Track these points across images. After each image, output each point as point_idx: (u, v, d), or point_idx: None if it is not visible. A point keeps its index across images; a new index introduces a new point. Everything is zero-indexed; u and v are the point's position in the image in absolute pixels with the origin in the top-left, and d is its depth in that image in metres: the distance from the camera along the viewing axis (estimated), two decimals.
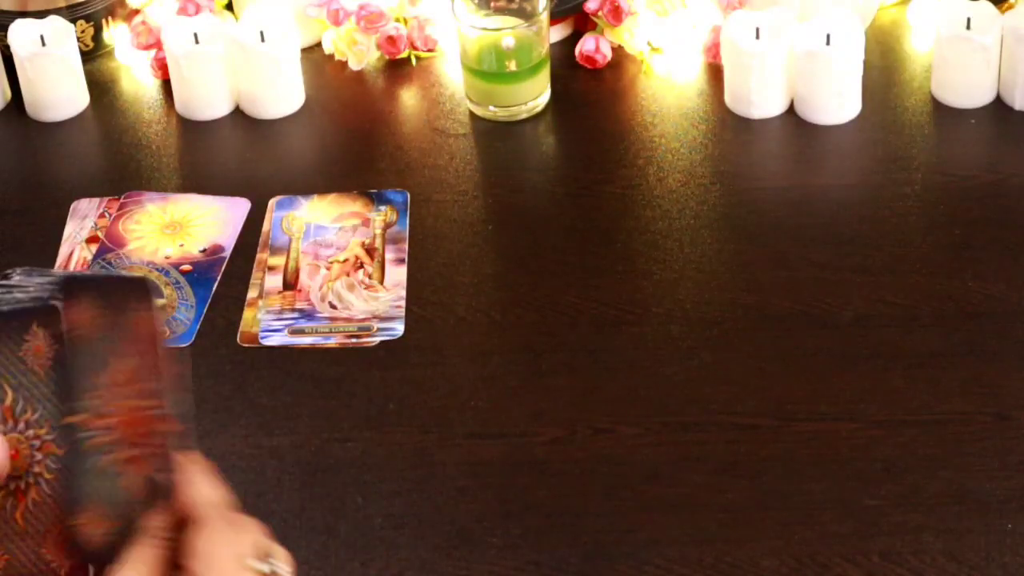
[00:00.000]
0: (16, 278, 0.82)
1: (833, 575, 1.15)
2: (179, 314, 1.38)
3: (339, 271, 1.42)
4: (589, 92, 1.60)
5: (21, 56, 1.58)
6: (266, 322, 1.37)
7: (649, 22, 1.61)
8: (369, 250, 1.43)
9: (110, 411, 0.79)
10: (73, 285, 0.79)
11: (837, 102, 1.53)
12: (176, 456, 0.80)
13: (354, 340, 1.35)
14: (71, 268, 1.42)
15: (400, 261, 1.42)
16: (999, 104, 1.54)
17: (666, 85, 1.59)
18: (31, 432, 0.79)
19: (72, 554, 0.79)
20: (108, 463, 0.80)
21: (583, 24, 1.65)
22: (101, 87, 1.64)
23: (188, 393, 0.82)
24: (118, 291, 0.80)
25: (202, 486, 0.80)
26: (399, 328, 1.36)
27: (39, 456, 0.79)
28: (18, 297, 0.80)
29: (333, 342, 1.35)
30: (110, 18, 1.66)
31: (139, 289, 0.80)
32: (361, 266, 1.42)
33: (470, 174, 1.51)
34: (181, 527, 0.79)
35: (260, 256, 1.44)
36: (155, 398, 0.80)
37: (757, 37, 1.53)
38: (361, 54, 1.63)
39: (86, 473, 0.79)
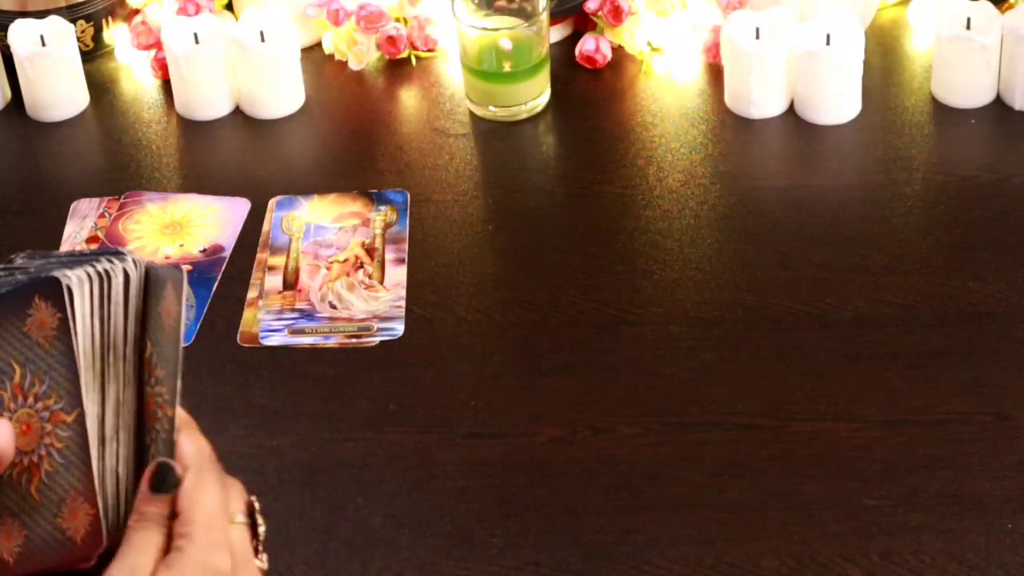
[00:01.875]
0: (20, 261, 0.83)
1: (833, 575, 1.15)
2: None
3: (339, 271, 1.42)
4: (589, 92, 1.60)
5: (21, 56, 1.58)
6: (266, 322, 1.37)
7: (649, 22, 1.61)
8: (369, 250, 1.43)
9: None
10: None
11: (837, 102, 1.53)
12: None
13: (354, 340, 1.35)
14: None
15: (400, 261, 1.42)
16: (999, 104, 1.54)
17: (666, 85, 1.59)
18: (40, 404, 0.80)
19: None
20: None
21: (583, 24, 1.65)
22: (101, 87, 1.64)
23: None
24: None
25: (196, 439, 0.82)
26: (399, 328, 1.36)
27: (49, 427, 0.80)
28: (20, 279, 0.80)
29: (333, 342, 1.35)
30: (110, 18, 1.66)
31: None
32: (361, 266, 1.42)
33: (470, 174, 1.51)
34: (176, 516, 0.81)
35: (260, 256, 1.44)
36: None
37: (757, 37, 1.53)
38: (361, 54, 1.63)
39: None
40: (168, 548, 0.79)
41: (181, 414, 0.82)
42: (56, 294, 0.79)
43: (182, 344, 0.82)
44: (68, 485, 0.80)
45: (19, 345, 0.80)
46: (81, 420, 0.79)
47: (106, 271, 0.80)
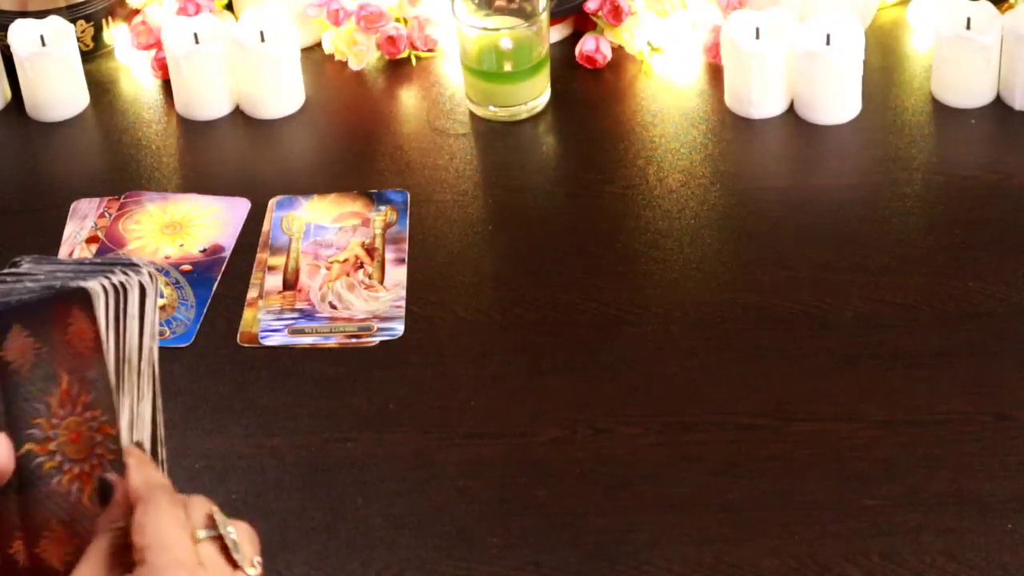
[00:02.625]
0: (26, 266, 0.83)
1: (833, 575, 1.15)
2: (179, 314, 1.38)
3: (339, 271, 1.42)
4: (589, 92, 1.60)
5: (21, 56, 1.58)
6: (266, 322, 1.37)
7: (649, 22, 1.61)
8: (369, 250, 1.43)
9: (54, 434, 0.80)
10: (6, 317, 0.79)
11: (837, 102, 1.53)
12: (120, 455, 0.80)
13: (354, 340, 1.35)
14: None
15: (400, 261, 1.42)
16: (999, 104, 1.54)
17: (666, 85, 1.59)
18: (88, 414, 0.80)
19: None
20: (65, 482, 0.80)
21: (583, 24, 1.65)
22: (101, 87, 1.64)
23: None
24: (49, 309, 0.79)
25: (144, 468, 0.80)
26: (399, 328, 1.36)
27: (99, 438, 0.80)
28: (31, 286, 0.80)
29: (333, 342, 1.35)
30: (110, 18, 1.66)
31: (76, 297, 0.79)
32: (361, 266, 1.42)
33: (470, 174, 1.51)
34: (130, 515, 0.79)
35: (260, 256, 1.44)
36: (92, 408, 0.80)
37: (757, 37, 1.53)
38: (361, 54, 1.63)
39: (45, 497, 0.80)
40: (128, 559, 0.77)
41: (132, 449, 0.81)
42: (90, 307, 0.79)
43: (144, 361, 0.81)
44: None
45: (65, 354, 0.80)
46: (119, 434, 0.80)
47: (122, 284, 0.80)
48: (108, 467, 0.80)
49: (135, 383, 0.81)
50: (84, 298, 0.79)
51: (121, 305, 0.80)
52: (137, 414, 0.81)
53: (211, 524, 0.79)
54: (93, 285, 0.79)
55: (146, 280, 0.81)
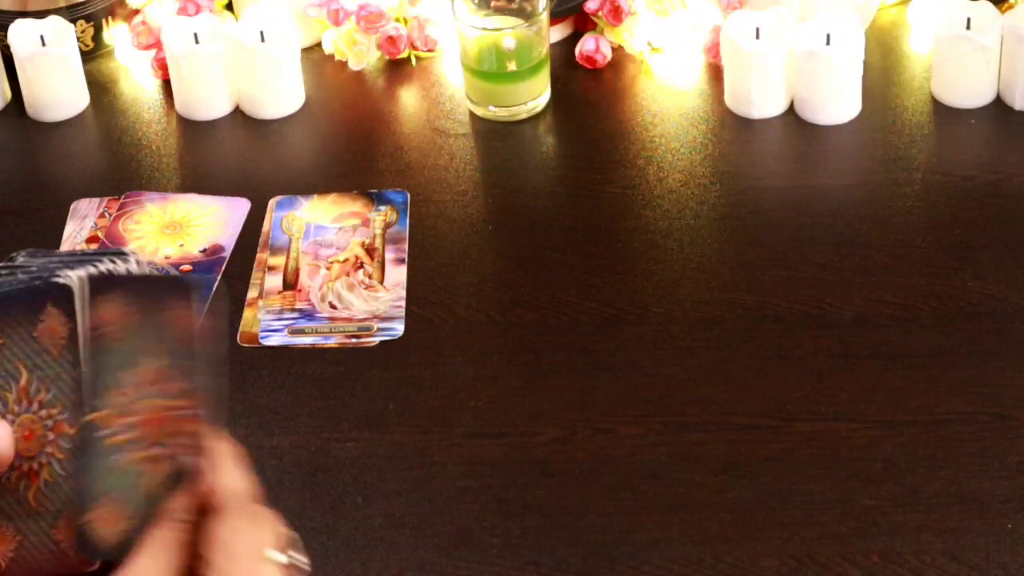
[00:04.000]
0: (21, 260, 0.83)
1: (833, 575, 1.15)
2: None
3: (339, 271, 1.42)
4: (589, 92, 1.60)
5: (21, 56, 1.58)
6: (266, 322, 1.37)
7: (649, 22, 1.61)
8: (369, 250, 1.43)
9: (134, 409, 0.79)
10: (105, 283, 0.79)
11: (837, 102, 1.53)
12: (204, 441, 0.79)
13: (354, 340, 1.35)
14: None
15: (400, 261, 1.42)
16: (999, 104, 1.54)
17: (666, 85, 1.59)
18: (44, 412, 0.80)
19: (83, 552, 0.79)
20: (127, 462, 0.79)
21: (583, 24, 1.65)
22: (101, 87, 1.64)
23: (223, 381, 0.81)
24: (153, 290, 0.79)
25: (228, 474, 0.79)
26: (399, 328, 1.36)
27: (51, 436, 0.79)
28: (21, 279, 0.80)
29: (333, 342, 1.35)
30: (110, 18, 1.66)
31: (178, 288, 0.79)
32: (361, 266, 1.42)
33: (470, 174, 1.51)
34: (203, 512, 0.78)
35: (260, 256, 1.44)
36: (185, 398, 0.79)
37: (757, 37, 1.53)
38: (361, 54, 1.63)
39: (102, 471, 0.79)
40: (188, 558, 0.77)
41: (228, 448, 0.80)
42: (68, 303, 0.79)
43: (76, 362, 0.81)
44: (66, 497, 0.80)
45: (28, 350, 0.80)
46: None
47: (109, 272, 0.80)
48: (56, 466, 0.80)
49: None
50: (61, 294, 0.79)
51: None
52: None
53: (282, 546, 0.79)
54: (71, 275, 0.79)
55: (133, 267, 0.81)
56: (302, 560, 0.80)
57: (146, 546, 0.77)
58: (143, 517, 0.79)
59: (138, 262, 0.81)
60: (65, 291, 0.78)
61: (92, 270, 0.80)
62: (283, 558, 0.79)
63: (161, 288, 0.79)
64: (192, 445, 0.79)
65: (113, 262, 0.81)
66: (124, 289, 0.79)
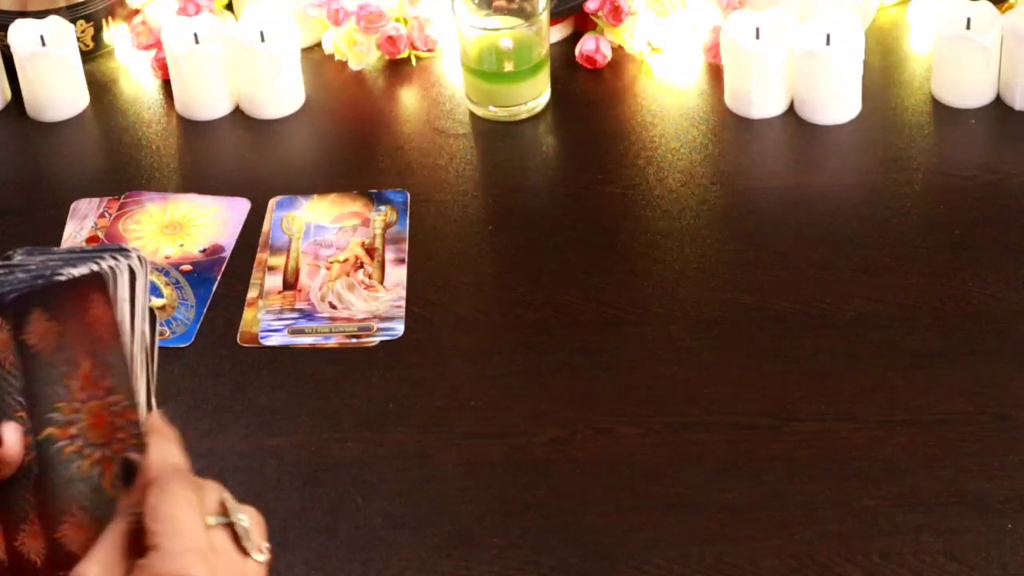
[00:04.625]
0: (18, 258, 0.83)
1: (833, 575, 1.15)
2: (179, 314, 1.38)
3: (339, 271, 1.42)
4: (589, 92, 1.60)
5: (21, 56, 1.58)
6: (266, 322, 1.37)
7: (649, 22, 1.61)
8: (369, 250, 1.43)
9: (75, 418, 0.79)
10: (23, 302, 0.79)
11: (837, 102, 1.53)
12: (143, 429, 0.80)
13: (354, 340, 1.35)
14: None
15: (400, 261, 1.42)
16: (999, 104, 1.54)
17: (666, 85, 1.59)
18: (111, 399, 0.80)
19: (57, 566, 0.79)
20: (86, 467, 0.80)
21: (583, 24, 1.65)
22: (101, 87, 1.64)
23: (151, 363, 0.81)
24: (69, 293, 0.79)
25: (162, 448, 0.79)
26: (399, 328, 1.36)
27: (121, 423, 0.80)
28: (20, 277, 0.80)
29: (333, 342, 1.35)
30: (110, 18, 1.66)
31: (93, 282, 0.79)
32: (361, 266, 1.42)
33: (470, 174, 1.51)
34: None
35: (260, 256, 1.44)
36: (114, 393, 0.80)
37: (757, 37, 1.53)
38: (361, 54, 1.63)
39: (64, 481, 0.80)
40: (142, 543, 0.77)
41: (152, 420, 0.80)
42: (106, 290, 0.79)
43: (136, 344, 0.81)
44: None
45: (84, 339, 0.80)
46: (140, 419, 0.80)
47: (112, 268, 0.80)
48: (131, 451, 0.80)
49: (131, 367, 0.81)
50: (99, 282, 0.79)
51: (111, 289, 0.80)
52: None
53: (223, 510, 0.79)
54: (74, 272, 0.79)
55: (135, 264, 0.81)
56: (244, 519, 0.79)
57: (101, 540, 0.77)
58: (107, 522, 0.79)
59: (140, 258, 0.81)
60: (100, 279, 0.79)
61: (94, 266, 0.80)
62: (223, 519, 0.79)
63: (80, 286, 0.79)
64: (134, 436, 0.79)
65: (115, 258, 0.81)
66: (41, 305, 0.79)
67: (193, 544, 0.76)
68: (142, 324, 0.81)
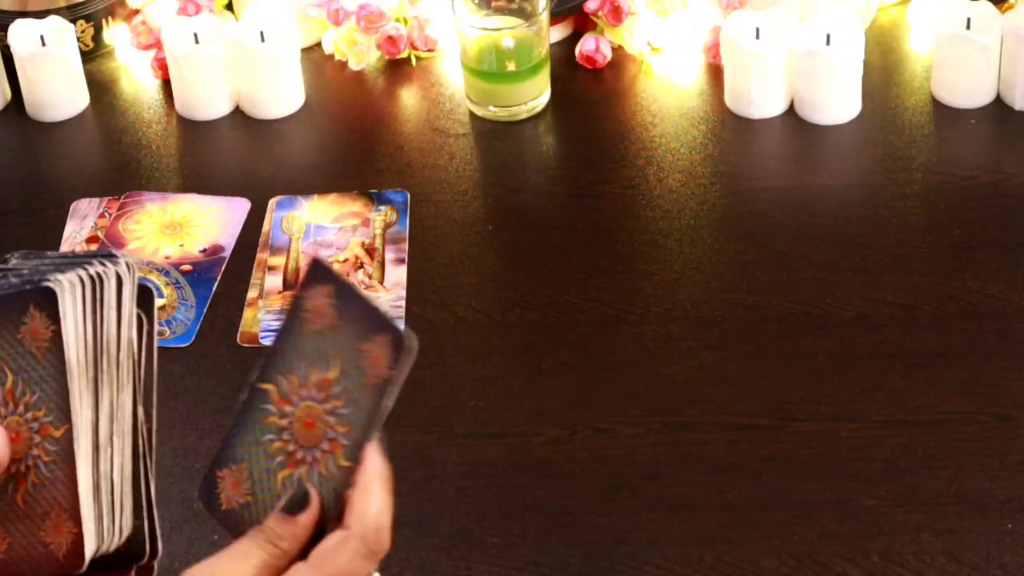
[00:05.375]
0: (14, 262, 0.83)
1: (833, 575, 1.15)
2: (179, 314, 1.38)
3: (339, 271, 1.41)
4: (589, 92, 1.60)
5: (21, 56, 1.58)
6: (266, 322, 1.37)
7: (649, 22, 1.61)
8: (369, 250, 1.43)
9: (294, 400, 0.80)
10: (322, 272, 0.82)
11: (837, 102, 1.53)
12: (353, 474, 0.79)
13: None
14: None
15: (400, 261, 1.42)
16: (999, 104, 1.54)
17: (666, 85, 1.59)
18: (30, 415, 0.80)
19: (209, 504, 0.80)
20: (274, 449, 0.81)
21: (583, 24, 1.65)
22: (101, 87, 1.64)
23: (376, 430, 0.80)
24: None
25: (370, 497, 0.78)
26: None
27: (37, 439, 0.79)
28: (12, 282, 0.80)
29: None
30: (110, 18, 1.66)
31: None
32: (361, 266, 1.42)
33: (470, 174, 1.51)
34: (304, 553, 0.78)
35: (260, 256, 1.44)
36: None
37: (757, 37, 1.53)
38: (361, 54, 1.63)
39: (251, 442, 0.81)
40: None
41: (377, 467, 0.79)
42: (51, 305, 0.79)
43: (122, 352, 0.81)
44: (52, 499, 0.79)
45: (12, 352, 0.80)
46: (69, 437, 0.79)
47: (99, 274, 0.80)
48: (43, 468, 0.80)
49: (114, 374, 0.81)
50: (44, 297, 0.79)
51: (98, 295, 0.80)
52: (117, 405, 0.81)
53: None
54: (61, 278, 0.79)
55: (123, 270, 0.81)
56: None
57: (231, 550, 0.78)
58: (260, 505, 0.80)
59: (128, 264, 0.81)
60: (47, 293, 0.78)
61: (82, 273, 0.80)
62: None
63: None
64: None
65: (103, 264, 0.81)
66: (331, 287, 0.82)
67: None
68: (129, 331, 0.81)
